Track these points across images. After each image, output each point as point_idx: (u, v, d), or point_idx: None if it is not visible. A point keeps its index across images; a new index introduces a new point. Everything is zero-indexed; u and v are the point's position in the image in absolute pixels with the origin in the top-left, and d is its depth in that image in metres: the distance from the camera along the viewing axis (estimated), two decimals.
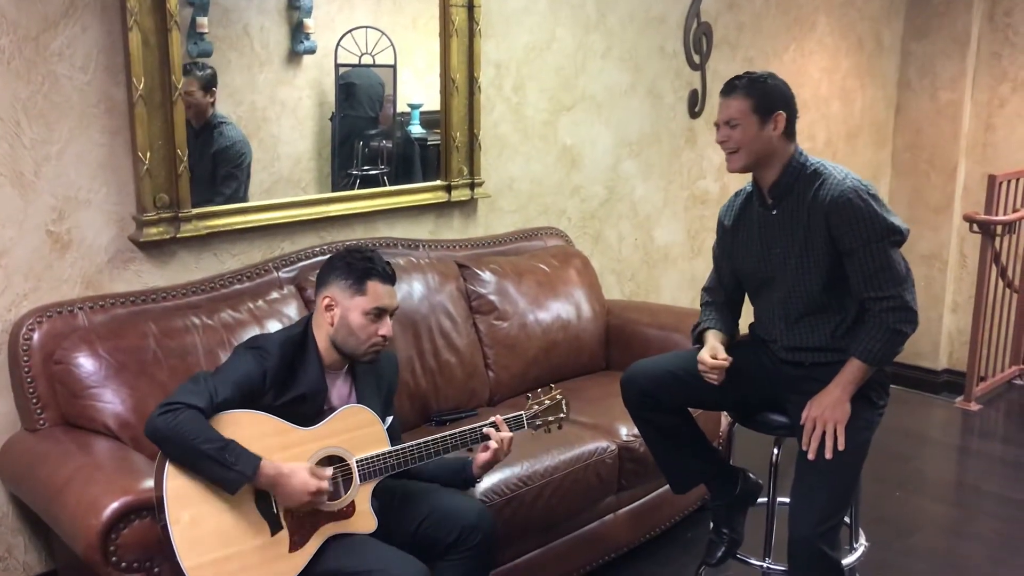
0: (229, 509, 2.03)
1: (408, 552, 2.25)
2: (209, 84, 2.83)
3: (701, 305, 2.67)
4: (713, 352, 2.43)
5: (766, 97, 2.35)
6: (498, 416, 2.37)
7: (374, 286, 2.24)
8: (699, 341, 2.57)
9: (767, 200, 2.43)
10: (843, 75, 5.30)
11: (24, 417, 2.47)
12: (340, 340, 2.25)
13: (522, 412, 2.40)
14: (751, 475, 2.70)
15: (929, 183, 5.65)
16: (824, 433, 2.30)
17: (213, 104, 2.87)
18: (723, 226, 2.60)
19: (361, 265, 2.25)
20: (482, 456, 2.33)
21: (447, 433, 2.29)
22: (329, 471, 2.13)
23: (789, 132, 2.38)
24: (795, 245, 2.38)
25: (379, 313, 2.24)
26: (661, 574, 3.10)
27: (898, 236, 2.32)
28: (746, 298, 2.65)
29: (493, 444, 2.31)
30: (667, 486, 2.85)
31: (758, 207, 2.47)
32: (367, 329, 2.23)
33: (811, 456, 2.31)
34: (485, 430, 2.33)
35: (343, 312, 2.23)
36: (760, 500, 2.69)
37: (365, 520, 2.19)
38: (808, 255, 2.36)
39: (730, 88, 2.38)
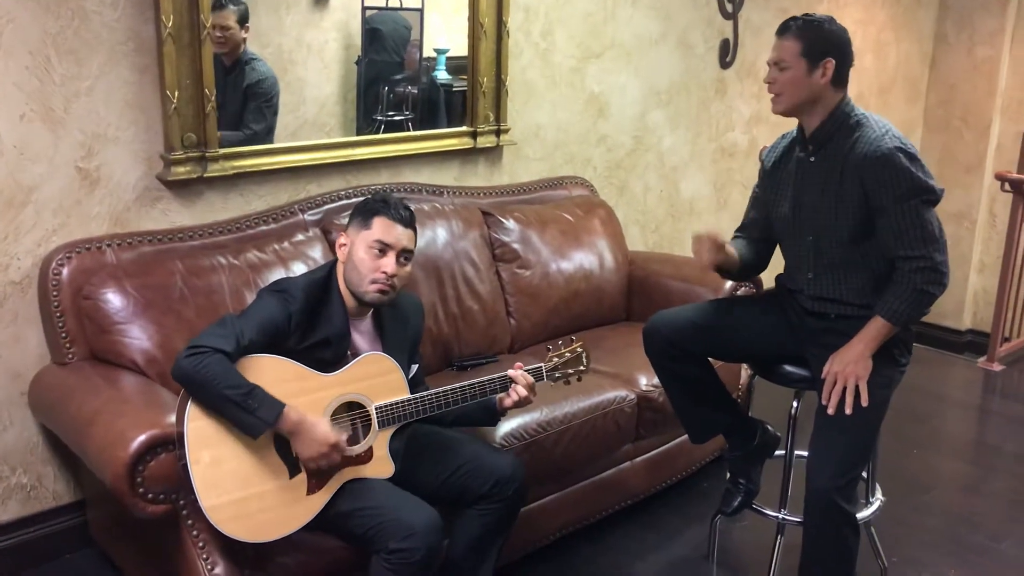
0: (249, 451, 2.07)
1: (433, 499, 2.28)
2: (242, 19, 2.83)
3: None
4: (710, 232, 2.42)
5: (818, 42, 2.30)
6: (518, 364, 2.38)
7: (381, 220, 2.25)
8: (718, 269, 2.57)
9: (807, 146, 2.41)
10: (878, 28, 5.19)
11: (53, 351, 2.52)
12: (347, 276, 2.27)
13: (542, 364, 2.40)
14: (769, 427, 2.72)
15: (961, 140, 5.56)
16: (845, 388, 2.30)
17: (245, 40, 2.86)
18: (764, 168, 2.58)
19: (374, 205, 2.29)
20: (508, 401, 2.35)
21: (466, 383, 2.30)
22: (344, 435, 2.15)
23: (838, 80, 2.34)
24: (828, 194, 2.35)
25: (383, 248, 2.24)
26: (676, 522, 3.13)
27: (931, 195, 2.28)
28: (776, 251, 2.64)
29: (522, 391, 2.32)
30: (685, 436, 2.87)
31: (798, 152, 2.45)
32: (368, 264, 2.23)
33: (831, 410, 2.31)
34: (510, 373, 2.32)
35: (351, 247, 2.26)
36: (778, 453, 2.71)
37: (382, 466, 2.22)
38: (839, 206, 2.34)
39: (784, 28, 2.34)
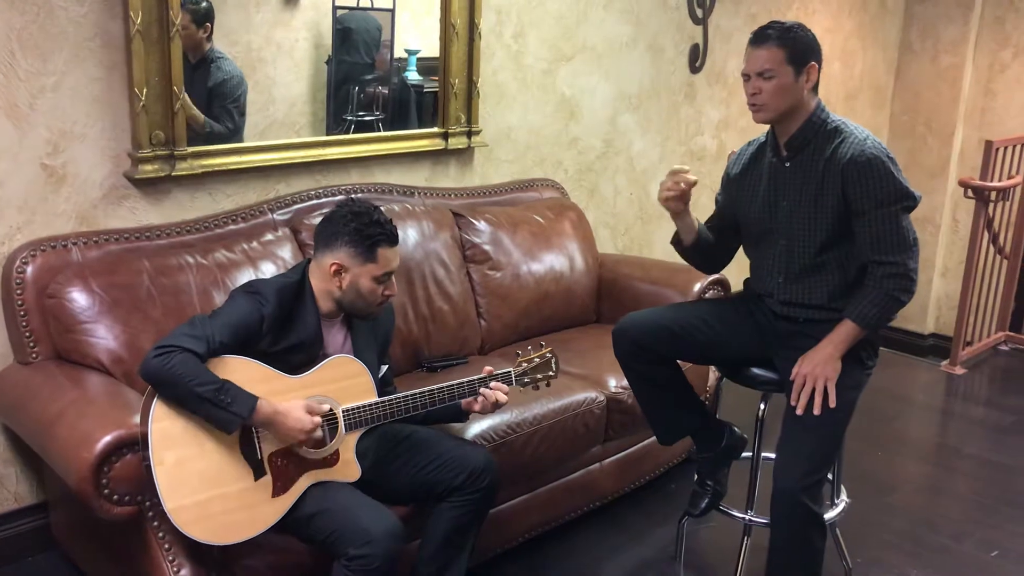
0: (213, 453, 2.05)
1: (406, 495, 2.31)
2: (205, 18, 2.80)
3: None
4: (683, 178, 2.36)
5: (800, 47, 2.30)
6: (488, 368, 2.38)
7: (384, 253, 2.23)
8: (676, 240, 2.59)
9: (782, 152, 2.42)
10: (845, 36, 5.26)
11: (17, 350, 2.48)
12: (348, 302, 2.26)
13: (511, 369, 2.40)
14: (736, 429, 2.73)
15: (926, 147, 5.64)
16: (813, 389, 2.33)
17: (210, 38, 2.84)
18: (728, 174, 2.59)
19: (370, 231, 2.22)
20: (476, 406, 2.35)
21: (434, 387, 2.29)
22: (326, 407, 2.15)
23: (816, 85, 2.36)
24: (804, 200, 2.37)
25: (388, 275, 2.26)
26: (644, 524, 3.14)
27: (910, 202, 2.31)
28: (740, 253, 2.65)
29: (491, 399, 2.32)
30: (653, 437, 2.88)
31: (771, 158, 2.45)
32: (376, 292, 2.25)
33: (799, 412, 2.33)
34: (484, 392, 2.32)
35: (353, 278, 2.22)
36: (745, 454, 2.73)
37: (349, 469, 2.21)
38: (816, 211, 2.36)
39: (763, 37, 2.31)
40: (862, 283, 2.36)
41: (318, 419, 2.12)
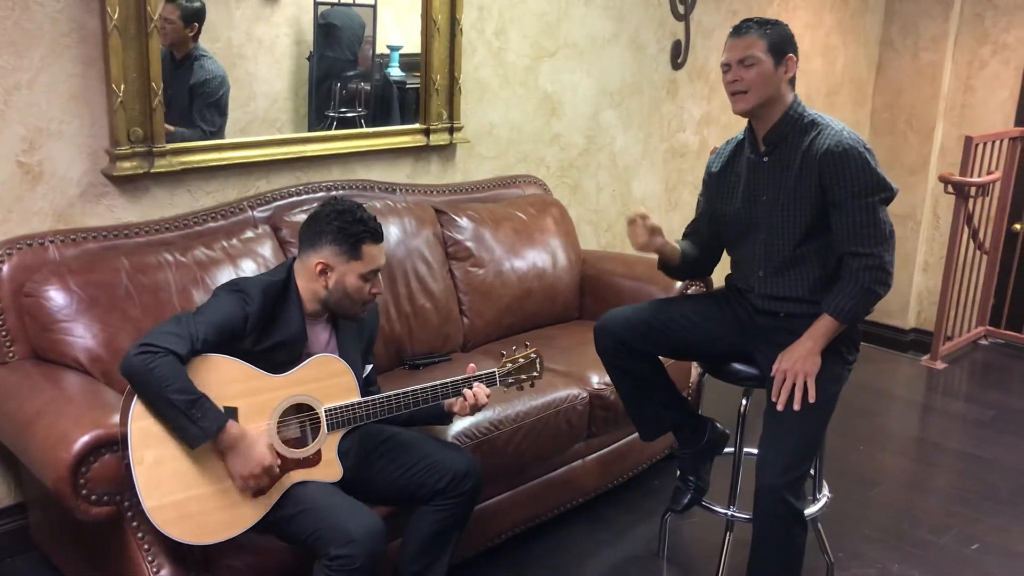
0: (194, 452, 2.03)
1: (388, 497, 2.29)
2: (194, 16, 2.79)
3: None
4: (641, 214, 2.41)
5: (780, 39, 2.34)
6: (472, 366, 2.37)
7: (369, 250, 2.22)
8: (663, 266, 2.62)
9: (760, 147, 2.43)
10: (826, 32, 5.28)
11: None
12: (335, 302, 2.24)
13: (495, 369, 2.39)
14: (718, 425, 2.74)
15: (906, 143, 5.67)
16: (794, 385, 2.33)
17: (196, 37, 2.82)
18: (709, 173, 2.60)
19: (354, 229, 2.21)
20: (457, 407, 2.34)
21: (418, 387, 2.28)
22: (278, 462, 2.11)
23: (793, 79, 2.38)
24: (783, 193, 2.38)
25: (374, 273, 2.24)
26: (627, 520, 3.15)
27: (887, 193, 2.32)
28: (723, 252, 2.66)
29: (472, 400, 2.31)
30: (636, 434, 2.89)
31: (749, 153, 2.47)
32: (362, 291, 2.23)
33: (780, 407, 2.34)
34: (467, 393, 2.32)
35: (339, 277, 2.21)
36: (727, 450, 2.74)
37: (330, 469, 2.20)
38: (795, 204, 2.37)
39: (745, 28, 2.36)
40: (839, 276, 2.37)
41: (276, 460, 2.09)
